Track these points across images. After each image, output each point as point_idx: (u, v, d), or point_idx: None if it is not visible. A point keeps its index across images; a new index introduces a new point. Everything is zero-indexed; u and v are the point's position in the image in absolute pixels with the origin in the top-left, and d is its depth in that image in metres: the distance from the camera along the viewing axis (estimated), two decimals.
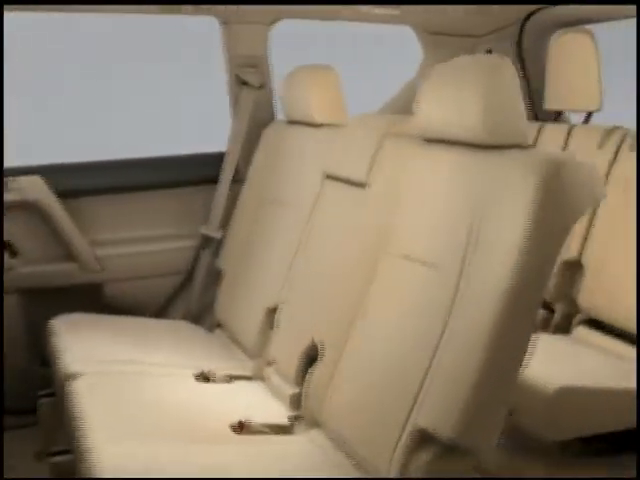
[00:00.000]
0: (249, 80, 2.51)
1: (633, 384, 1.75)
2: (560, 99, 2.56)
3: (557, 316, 2.31)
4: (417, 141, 1.65)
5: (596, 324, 2.16)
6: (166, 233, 2.60)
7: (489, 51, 2.76)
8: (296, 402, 1.80)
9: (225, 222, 2.56)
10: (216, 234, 2.57)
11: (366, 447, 1.50)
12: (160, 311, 2.63)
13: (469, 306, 1.34)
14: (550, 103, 2.60)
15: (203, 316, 2.60)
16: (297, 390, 1.80)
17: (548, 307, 2.36)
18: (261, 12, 2.40)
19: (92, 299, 2.51)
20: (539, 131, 2.56)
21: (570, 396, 1.63)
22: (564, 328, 2.27)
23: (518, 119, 1.41)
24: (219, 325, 2.44)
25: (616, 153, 2.25)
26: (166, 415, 1.69)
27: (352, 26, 2.71)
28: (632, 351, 1.99)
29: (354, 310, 1.67)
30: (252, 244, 2.35)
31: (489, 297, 1.29)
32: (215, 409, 1.78)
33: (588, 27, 2.43)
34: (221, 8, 2.33)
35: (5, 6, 2.08)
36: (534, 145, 2.33)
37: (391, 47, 3.27)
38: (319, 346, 1.74)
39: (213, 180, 2.59)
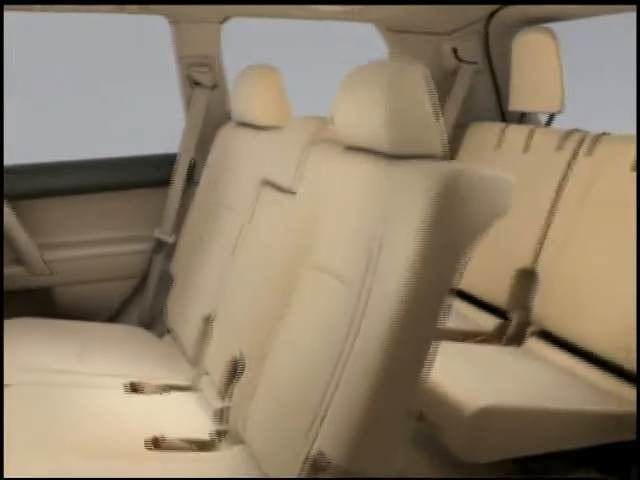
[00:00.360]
0: (201, 80, 2.44)
1: (569, 404, 1.68)
2: (523, 100, 2.48)
3: (512, 326, 2.23)
4: (339, 147, 1.59)
5: (549, 336, 2.08)
6: (119, 236, 2.55)
7: (454, 49, 2.67)
8: (222, 416, 1.74)
9: (179, 225, 2.51)
10: (169, 238, 2.52)
11: (276, 467, 1.44)
12: (114, 316, 2.58)
13: (368, 323, 1.27)
14: (514, 104, 2.52)
15: (155, 322, 2.55)
16: (223, 404, 1.75)
17: (504, 316, 2.29)
18: (210, 11, 2.33)
19: (42, 304, 2.47)
20: (502, 132, 2.47)
21: (490, 417, 1.55)
22: (519, 338, 2.19)
23: (426, 128, 1.33)
24: (169, 331, 2.39)
25: (573, 157, 2.16)
26: (80, 430, 1.63)
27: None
28: (581, 367, 1.91)
29: (275, 324, 1.61)
30: (200, 249, 2.29)
31: (384, 314, 1.23)
32: (136, 423, 1.72)
33: (549, 26, 2.34)
34: (168, 7, 2.27)
35: (5, 6, 2.04)
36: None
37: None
38: (242, 359, 1.69)
39: (168, 182, 2.53)
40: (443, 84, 2.74)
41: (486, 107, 2.77)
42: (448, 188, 1.20)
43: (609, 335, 1.85)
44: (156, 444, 1.62)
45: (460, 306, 2.43)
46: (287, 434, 1.43)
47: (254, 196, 1.99)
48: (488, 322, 2.29)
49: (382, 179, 1.38)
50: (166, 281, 2.50)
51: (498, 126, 2.51)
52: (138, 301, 2.60)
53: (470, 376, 1.73)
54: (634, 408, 1.71)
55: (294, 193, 1.73)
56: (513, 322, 2.23)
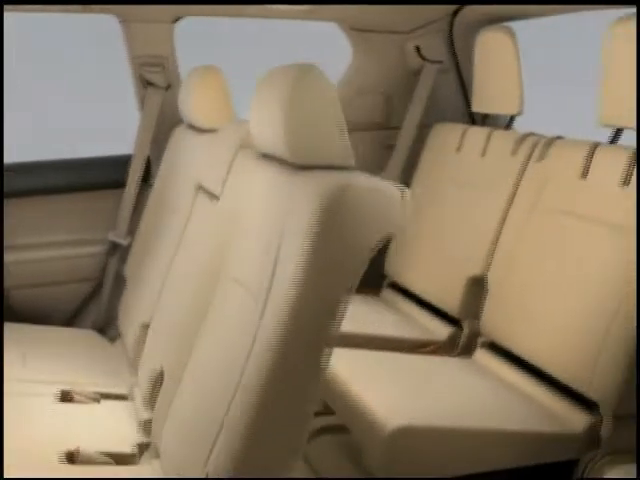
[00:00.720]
0: (154, 80, 2.39)
1: (501, 423, 1.61)
2: (484, 101, 2.40)
3: (464, 335, 2.16)
4: (257, 154, 1.53)
5: (498, 348, 2.00)
6: (74, 238, 2.51)
7: (417, 48, 2.60)
8: (147, 428, 1.70)
9: (133, 228, 2.47)
10: (123, 240, 2.48)
11: None
12: (69, 319, 2.55)
13: (263, 333, 1.23)
14: (476, 105, 2.44)
15: (110, 325, 2.52)
16: (148, 415, 1.70)
17: (458, 324, 2.22)
18: (161, 10, 2.28)
19: None
20: (463, 134, 2.40)
21: (409, 437, 1.48)
22: (471, 349, 2.12)
23: (328, 137, 1.27)
24: (119, 335, 2.35)
25: (525, 162, 2.09)
26: None
27: None
28: (525, 382, 1.83)
29: (195, 335, 1.56)
30: (148, 253, 2.25)
31: (276, 323, 1.20)
32: (57, 434, 1.68)
33: (508, 25, 2.26)
34: (117, 7, 2.22)
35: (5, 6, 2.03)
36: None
37: None
38: (163, 371, 1.65)
39: (123, 184, 2.49)
40: (408, 83, 2.68)
41: (453, 107, 2.69)
42: (333, 201, 1.15)
43: (553, 350, 1.77)
44: (71, 458, 1.58)
45: (415, 312, 2.37)
46: (193, 450, 1.39)
47: (191, 201, 1.94)
48: (442, 330, 2.23)
49: (284, 189, 1.33)
50: (121, 284, 2.47)
51: (460, 127, 2.43)
52: (94, 304, 2.56)
53: (402, 391, 1.67)
54: (567, 428, 1.64)
55: (218, 199, 1.69)
56: (465, 332, 2.17)
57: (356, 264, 1.17)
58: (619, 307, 1.63)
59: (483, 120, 2.49)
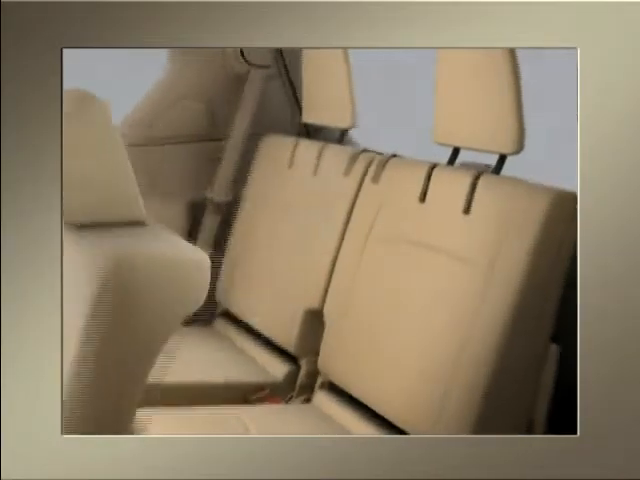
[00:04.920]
0: None
1: None
2: (313, 111, 2.20)
3: (302, 375, 1.96)
4: None
5: (337, 389, 1.81)
6: None
7: (240, 51, 2.34)
8: None
9: None
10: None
11: None
12: None
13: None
14: (306, 115, 2.24)
15: None
16: None
17: (296, 362, 2.01)
18: None
19: None
20: (294, 149, 2.18)
21: None
22: (309, 389, 1.92)
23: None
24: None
25: (360, 183, 1.90)
26: None
27: None
28: (365, 429, 1.65)
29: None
30: None
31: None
32: None
33: None
34: None
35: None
36: None
37: None
38: None
39: None
40: (233, 90, 2.42)
41: (284, 117, 2.47)
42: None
43: (393, 393, 1.59)
44: None
45: (250, 347, 2.14)
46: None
47: None
48: (279, 369, 2.01)
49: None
50: None
51: (291, 141, 2.21)
52: None
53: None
54: None
55: None
56: (303, 371, 1.96)
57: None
58: (462, 348, 1.48)
59: (315, 132, 2.30)
